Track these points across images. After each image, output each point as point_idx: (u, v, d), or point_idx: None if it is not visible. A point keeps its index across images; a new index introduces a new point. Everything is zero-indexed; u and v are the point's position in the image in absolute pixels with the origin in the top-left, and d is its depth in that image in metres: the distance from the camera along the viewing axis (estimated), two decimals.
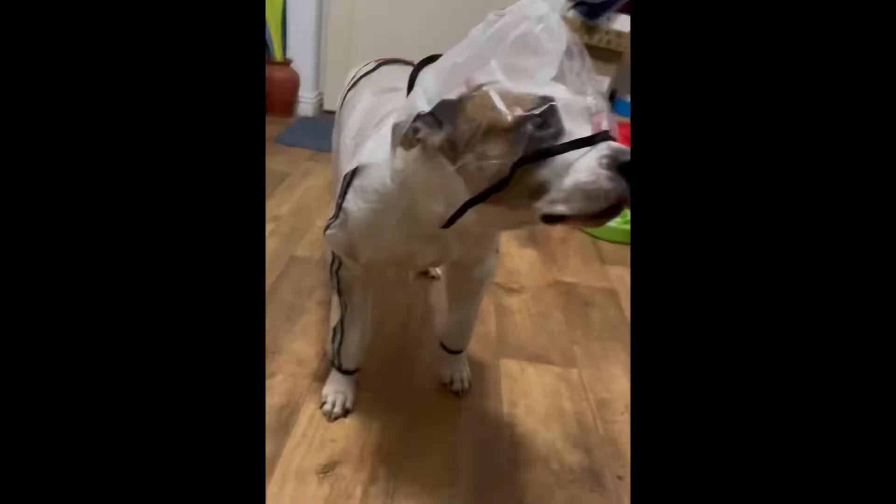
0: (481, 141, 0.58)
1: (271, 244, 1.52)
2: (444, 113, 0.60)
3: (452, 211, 0.65)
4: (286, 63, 2.57)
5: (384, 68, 1.04)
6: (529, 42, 0.58)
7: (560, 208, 0.57)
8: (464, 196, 0.62)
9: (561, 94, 0.59)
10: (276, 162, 2.10)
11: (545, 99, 0.57)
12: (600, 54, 2.06)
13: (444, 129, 0.60)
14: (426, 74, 0.62)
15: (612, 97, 2.38)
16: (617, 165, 0.53)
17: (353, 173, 0.78)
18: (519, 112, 0.56)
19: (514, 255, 1.69)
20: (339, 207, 0.81)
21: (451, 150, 0.61)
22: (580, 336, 1.34)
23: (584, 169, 0.55)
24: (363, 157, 0.77)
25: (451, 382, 1.09)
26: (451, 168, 0.61)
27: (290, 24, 2.58)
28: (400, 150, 0.66)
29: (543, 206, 0.58)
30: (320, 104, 2.82)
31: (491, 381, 1.15)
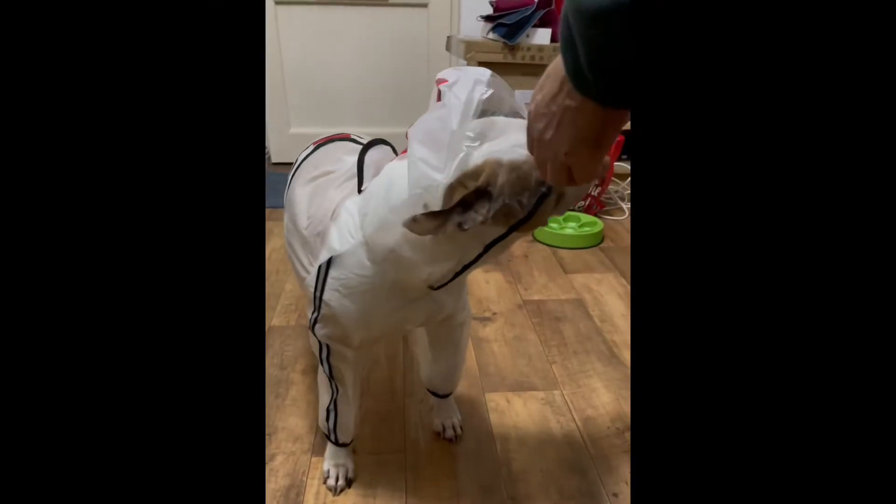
0: (511, 188, 0.65)
1: None
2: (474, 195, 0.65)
3: (466, 261, 0.73)
4: None
5: (320, 151, 1.07)
6: (493, 101, 0.69)
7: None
8: (487, 239, 0.70)
9: None
10: None
11: None
12: (526, 70, 2.14)
13: (483, 207, 0.66)
14: (416, 148, 0.67)
15: None
16: None
17: (328, 264, 0.82)
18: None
19: (481, 282, 1.75)
20: (320, 300, 0.84)
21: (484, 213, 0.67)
22: (556, 355, 1.41)
23: None
24: (334, 246, 0.81)
25: (444, 430, 1.14)
26: (482, 225, 0.67)
27: None
28: (382, 233, 0.74)
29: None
30: (267, 159, 2.84)
31: (480, 419, 1.20)
